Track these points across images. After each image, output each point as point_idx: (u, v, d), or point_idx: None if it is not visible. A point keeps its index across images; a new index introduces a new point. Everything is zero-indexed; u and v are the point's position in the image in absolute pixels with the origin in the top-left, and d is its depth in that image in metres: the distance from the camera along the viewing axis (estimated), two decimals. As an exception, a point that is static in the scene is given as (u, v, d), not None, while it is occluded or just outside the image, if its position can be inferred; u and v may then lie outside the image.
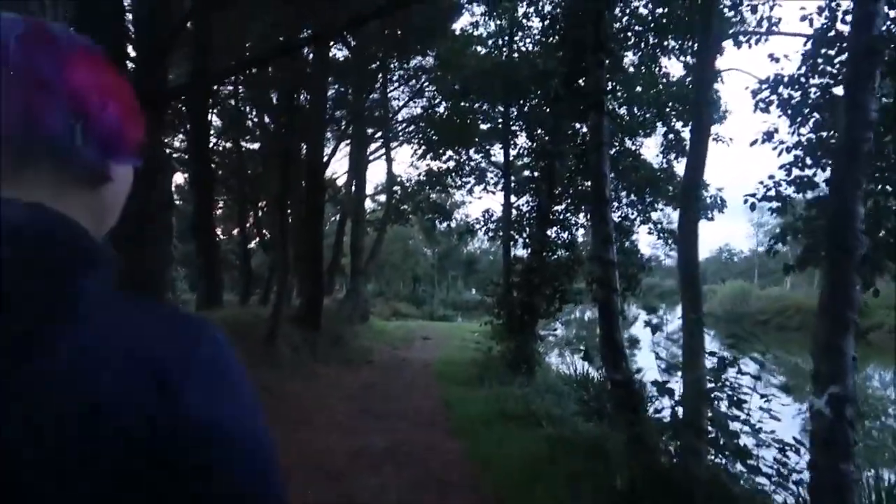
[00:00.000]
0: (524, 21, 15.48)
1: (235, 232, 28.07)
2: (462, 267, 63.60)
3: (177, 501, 0.56)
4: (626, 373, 6.44)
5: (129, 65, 8.99)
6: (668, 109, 13.37)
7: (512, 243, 14.20)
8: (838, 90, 6.19)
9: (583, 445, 5.89)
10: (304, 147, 14.00)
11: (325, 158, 16.67)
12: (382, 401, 9.53)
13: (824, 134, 6.33)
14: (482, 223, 14.31)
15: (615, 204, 14.19)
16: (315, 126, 14.23)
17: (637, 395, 6.18)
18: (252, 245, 25.47)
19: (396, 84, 22.24)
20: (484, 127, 17.70)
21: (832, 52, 6.14)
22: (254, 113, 17.09)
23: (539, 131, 13.94)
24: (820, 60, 6.25)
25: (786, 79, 6.51)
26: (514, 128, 15.51)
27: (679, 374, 5.92)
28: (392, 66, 20.29)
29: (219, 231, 27.31)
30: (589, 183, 13.95)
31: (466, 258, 64.40)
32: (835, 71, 6.18)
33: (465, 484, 5.27)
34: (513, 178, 15.02)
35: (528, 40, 15.54)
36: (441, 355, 16.94)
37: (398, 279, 54.03)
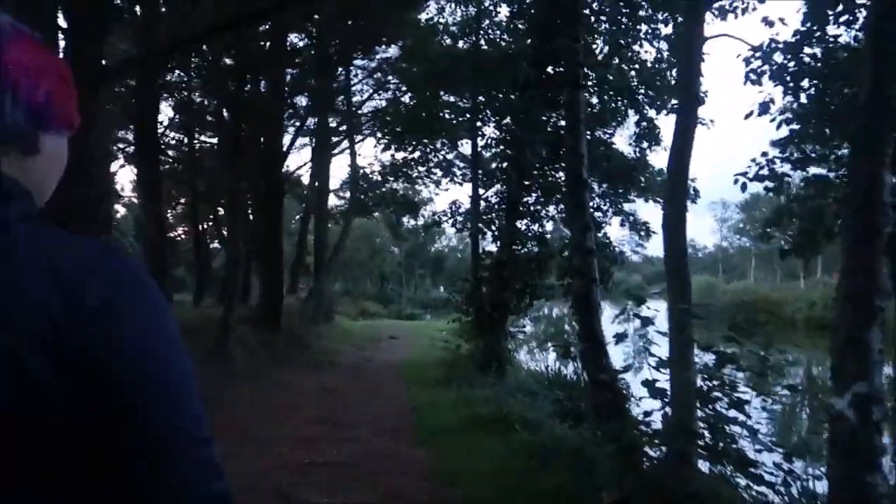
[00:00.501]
0: (492, 7, 14.92)
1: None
2: (430, 265, 63.01)
3: (79, 409, 0.62)
4: (610, 372, 5.85)
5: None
6: (640, 96, 12.91)
7: (481, 237, 13.57)
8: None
9: (563, 453, 5.27)
10: (262, 138, 13.19)
11: (285, 149, 15.84)
12: (343, 407, 8.82)
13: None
14: (449, 215, 13.54)
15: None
16: (272, 114, 13.42)
17: (622, 396, 5.60)
18: (216, 244, 24.41)
19: (360, 77, 21.53)
20: (449, 116, 17.08)
21: (837, 10, 5.63)
22: (207, 103, 16.17)
23: (508, 120, 13.36)
24: (816, 29, 5.74)
25: (781, 45, 5.99)
26: (482, 117, 14.89)
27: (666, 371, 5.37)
28: (355, 57, 19.57)
29: (180, 230, 26.19)
30: (561, 175, 13.42)
31: (434, 256, 63.83)
32: (837, 32, 5.70)
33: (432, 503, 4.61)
34: (480, 170, 14.38)
35: (495, 27, 14.96)
36: (408, 355, 16.32)
37: (365, 277, 53.06)
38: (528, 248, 12.59)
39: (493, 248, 13.50)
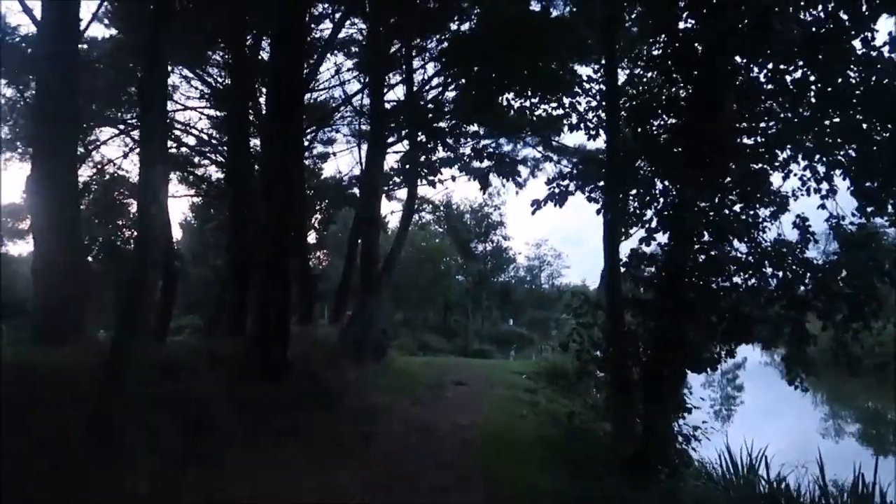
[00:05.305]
0: None
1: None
2: (496, 296, 56.93)
3: None
4: None
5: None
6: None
7: (627, 222, 7.52)
8: None
9: None
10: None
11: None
12: None
13: None
14: (571, 171, 7.38)
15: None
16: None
17: None
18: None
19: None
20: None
21: None
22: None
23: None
24: None
25: None
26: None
27: None
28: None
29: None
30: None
31: (500, 287, 57.84)
32: None
33: None
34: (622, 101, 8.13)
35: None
36: (484, 417, 10.63)
37: (426, 306, 47.25)
38: (729, 247, 6.58)
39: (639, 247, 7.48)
